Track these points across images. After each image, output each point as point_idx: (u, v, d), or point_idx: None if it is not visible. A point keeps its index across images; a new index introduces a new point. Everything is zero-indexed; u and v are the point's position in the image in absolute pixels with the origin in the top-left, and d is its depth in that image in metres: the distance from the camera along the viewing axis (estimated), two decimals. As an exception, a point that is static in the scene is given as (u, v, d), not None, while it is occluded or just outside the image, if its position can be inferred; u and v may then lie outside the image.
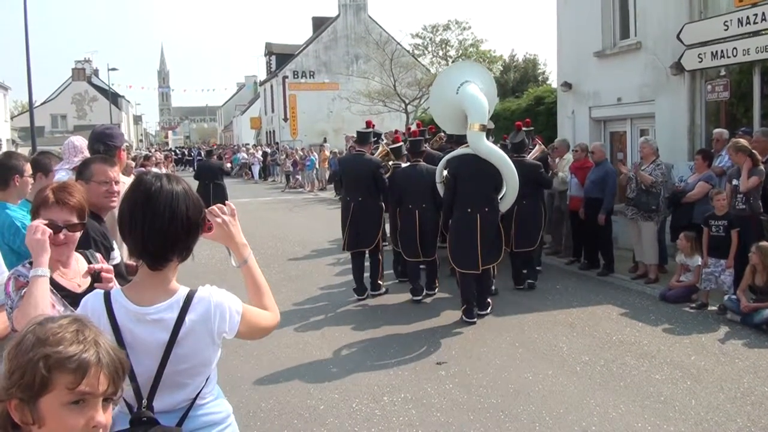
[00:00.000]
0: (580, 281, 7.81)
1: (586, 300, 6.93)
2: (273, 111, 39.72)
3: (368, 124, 7.90)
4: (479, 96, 6.17)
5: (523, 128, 8.03)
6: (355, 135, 7.93)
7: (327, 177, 12.76)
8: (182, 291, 1.74)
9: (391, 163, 7.66)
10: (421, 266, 7.19)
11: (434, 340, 5.74)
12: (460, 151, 6.35)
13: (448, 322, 6.32)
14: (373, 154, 7.45)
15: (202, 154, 38.31)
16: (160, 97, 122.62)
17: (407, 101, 24.78)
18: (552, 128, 11.63)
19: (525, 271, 7.43)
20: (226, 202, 1.96)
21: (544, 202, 7.63)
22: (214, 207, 1.87)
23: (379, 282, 7.27)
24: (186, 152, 44.70)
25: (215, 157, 14.64)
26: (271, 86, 39.71)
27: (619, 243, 8.74)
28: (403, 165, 7.20)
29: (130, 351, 1.64)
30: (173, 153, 40.76)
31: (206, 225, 1.80)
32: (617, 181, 7.87)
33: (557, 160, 9.02)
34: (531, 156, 7.79)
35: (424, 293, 7.07)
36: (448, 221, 6.30)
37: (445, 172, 6.46)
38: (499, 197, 6.22)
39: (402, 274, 7.72)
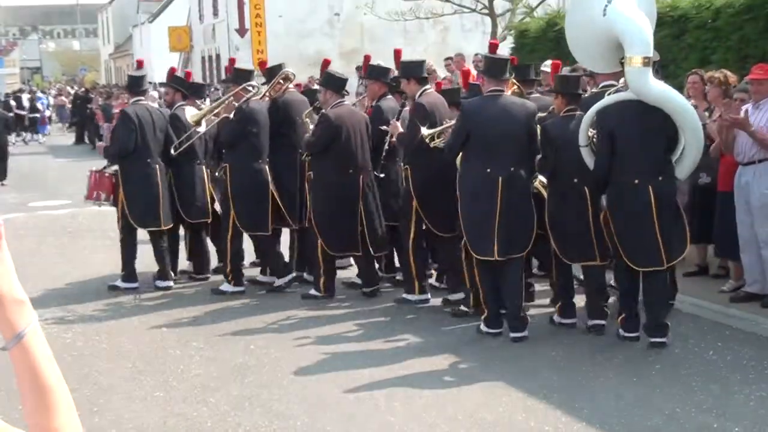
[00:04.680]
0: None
1: None
2: (216, 16, 38.06)
3: (493, 46, 8.08)
4: (638, 17, 6.77)
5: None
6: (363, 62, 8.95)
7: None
8: None
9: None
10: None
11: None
12: (618, 97, 7.04)
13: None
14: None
15: (67, 100, 31.97)
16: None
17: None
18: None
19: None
20: None
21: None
22: None
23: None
24: (28, 100, 32.47)
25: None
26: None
27: None
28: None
29: None
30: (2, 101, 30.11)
31: None
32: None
33: None
34: None
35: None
36: (600, 199, 7.24)
37: (591, 132, 7.09)
38: (674, 159, 7.01)
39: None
